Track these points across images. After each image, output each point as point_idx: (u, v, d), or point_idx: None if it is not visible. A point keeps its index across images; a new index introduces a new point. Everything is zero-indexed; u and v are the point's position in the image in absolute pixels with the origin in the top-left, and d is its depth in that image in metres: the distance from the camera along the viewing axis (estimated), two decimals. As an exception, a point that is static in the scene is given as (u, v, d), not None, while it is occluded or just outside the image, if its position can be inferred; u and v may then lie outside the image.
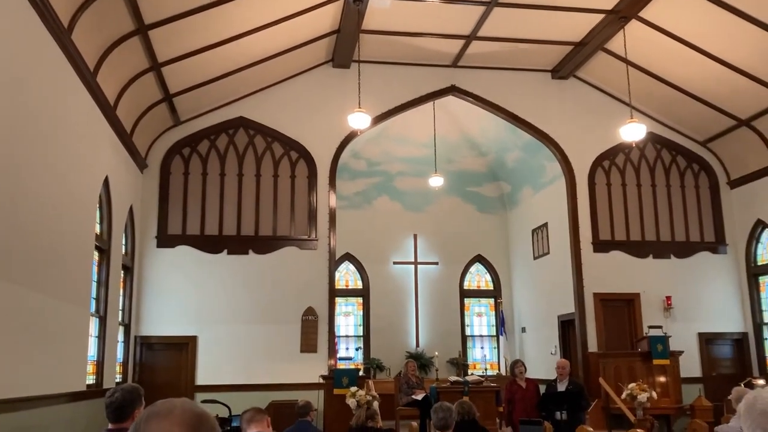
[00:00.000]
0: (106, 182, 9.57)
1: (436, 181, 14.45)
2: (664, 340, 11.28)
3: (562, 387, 9.20)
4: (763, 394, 2.08)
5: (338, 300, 14.17)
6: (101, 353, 9.59)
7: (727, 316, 12.89)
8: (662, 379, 11.12)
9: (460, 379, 11.11)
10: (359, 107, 10.25)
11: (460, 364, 15.33)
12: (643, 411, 9.79)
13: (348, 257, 15.90)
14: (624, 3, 10.39)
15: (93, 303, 9.22)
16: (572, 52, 12.26)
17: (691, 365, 12.18)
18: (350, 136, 12.34)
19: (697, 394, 11.46)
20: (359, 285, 16.10)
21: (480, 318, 16.60)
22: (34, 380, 6.95)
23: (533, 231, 15.12)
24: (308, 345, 11.69)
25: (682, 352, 11.65)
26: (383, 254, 16.08)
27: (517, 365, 9.75)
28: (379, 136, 15.29)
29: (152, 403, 1.58)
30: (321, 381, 10.66)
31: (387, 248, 16.13)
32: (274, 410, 10.11)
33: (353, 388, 9.75)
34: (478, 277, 16.80)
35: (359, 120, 10.27)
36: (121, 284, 10.83)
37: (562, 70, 12.94)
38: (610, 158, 13.21)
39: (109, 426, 3.81)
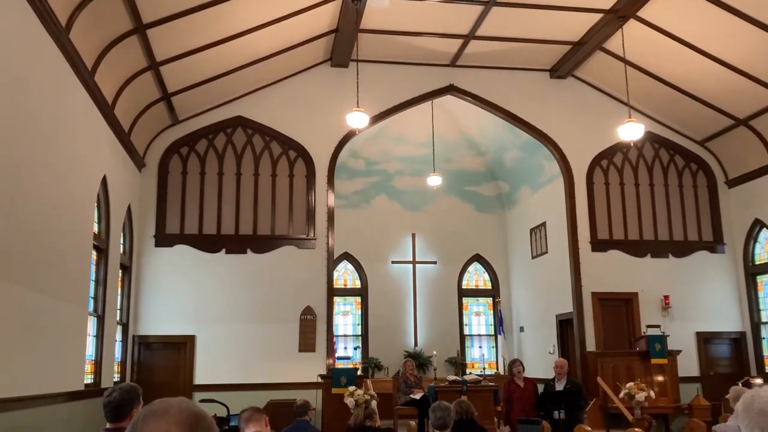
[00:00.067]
0: (104, 181, 9.56)
1: (435, 181, 14.46)
2: (662, 339, 11.30)
3: (560, 386, 9.21)
4: (760, 393, 2.08)
5: (336, 299, 14.16)
6: (99, 353, 9.58)
7: (725, 315, 12.90)
8: (660, 378, 11.13)
9: (459, 378, 11.11)
10: (357, 106, 10.25)
11: (459, 363, 15.34)
12: (641, 410, 9.79)
13: (346, 256, 15.90)
14: (622, 2, 10.40)
15: (91, 302, 9.21)
16: (570, 52, 12.27)
17: (689, 364, 12.20)
18: (348, 136, 12.34)
19: (695, 394, 11.49)
20: (357, 284, 16.10)
21: (478, 317, 16.60)
22: (32, 379, 6.94)
23: (531, 230, 15.12)
24: (306, 344, 11.70)
25: (680, 351, 11.67)
26: (381, 253, 16.08)
27: (515, 364, 9.76)
28: (377, 136, 15.29)
29: (149, 403, 1.57)
30: (319, 380, 10.65)
31: (385, 247, 16.13)
32: (272, 409, 10.12)
33: (351, 388, 9.74)
34: (477, 277, 16.80)
35: (357, 119, 10.26)
36: (119, 283, 10.82)
37: (560, 70, 12.94)
38: (609, 158, 13.22)
39: (107, 425, 3.80)
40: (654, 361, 11.09)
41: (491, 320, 16.49)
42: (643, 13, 10.60)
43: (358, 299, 16.03)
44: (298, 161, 12.43)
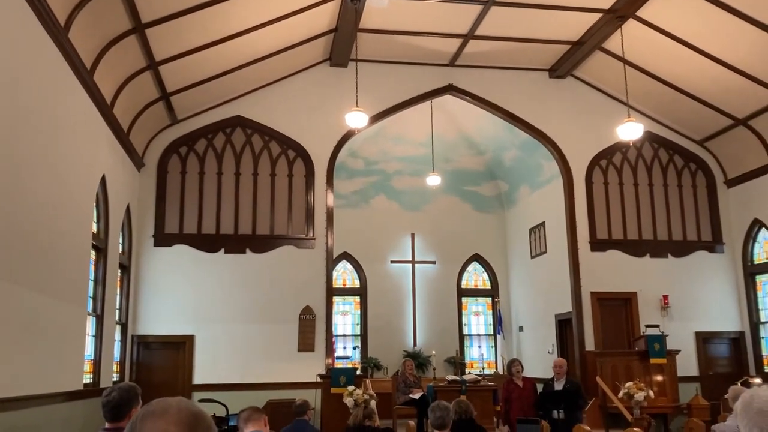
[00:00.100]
0: (103, 181, 9.55)
1: (434, 180, 14.46)
2: (661, 339, 11.30)
3: (559, 386, 9.21)
4: (759, 393, 2.08)
5: (336, 299, 14.15)
6: (98, 352, 9.58)
7: (723, 315, 12.91)
8: (659, 378, 11.13)
9: (458, 378, 11.10)
10: (357, 106, 10.25)
11: (458, 363, 15.33)
12: (640, 410, 9.80)
13: (345, 256, 15.89)
14: (621, 2, 10.40)
15: (90, 302, 9.20)
16: (570, 52, 12.27)
17: (688, 364, 12.21)
18: (348, 135, 12.33)
19: (694, 393, 11.49)
20: (357, 284, 16.10)
21: (477, 317, 16.60)
22: (31, 379, 6.94)
23: (530, 230, 15.13)
24: (306, 344, 11.69)
25: (679, 351, 11.67)
26: (381, 253, 16.07)
27: (514, 364, 9.76)
28: (376, 135, 15.29)
29: (148, 402, 1.57)
30: (318, 380, 10.65)
31: (384, 247, 16.13)
32: (271, 409, 10.11)
33: (350, 387, 9.74)
34: (476, 276, 16.80)
35: (357, 119, 10.26)
36: (118, 283, 10.81)
37: (559, 70, 12.94)
38: (608, 157, 13.22)
39: (106, 425, 3.80)
40: (653, 360, 11.10)
41: (490, 320, 16.49)
42: (643, 12, 10.60)
43: (357, 299, 16.03)
44: (297, 161, 12.42)
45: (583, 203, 12.87)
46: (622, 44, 11.07)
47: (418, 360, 14.57)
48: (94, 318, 9.50)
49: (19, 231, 6.50)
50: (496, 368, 15.59)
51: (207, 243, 11.87)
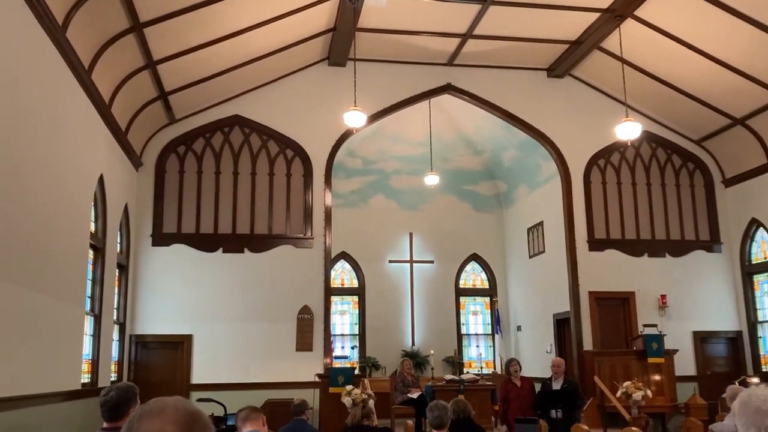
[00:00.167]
0: (101, 180, 9.54)
1: (432, 180, 14.46)
2: (659, 338, 11.32)
3: (557, 385, 9.22)
4: (757, 392, 2.08)
5: (334, 298, 14.14)
6: (96, 352, 9.56)
7: (721, 314, 12.92)
8: (657, 377, 11.15)
9: (456, 377, 11.12)
10: (355, 105, 10.25)
11: (456, 362, 15.33)
12: (638, 409, 9.82)
13: (344, 256, 15.88)
14: (619, 2, 10.40)
15: (88, 301, 9.20)
16: (568, 51, 12.28)
17: (685, 363, 12.22)
18: (346, 135, 12.32)
19: (692, 393, 11.49)
20: (355, 283, 16.09)
21: (475, 316, 16.60)
22: (28, 379, 6.93)
23: (529, 229, 15.13)
24: (304, 343, 11.69)
25: (677, 350, 11.68)
26: (379, 253, 16.07)
27: (512, 364, 9.77)
28: (374, 135, 15.28)
29: (145, 402, 1.57)
30: (316, 380, 10.64)
31: (382, 247, 16.13)
32: (269, 409, 10.11)
33: (349, 387, 9.75)
34: (474, 276, 16.80)
35: (355, 118, 10.26)
36: (116, 283, 10.80)
37: (557, 69, 12.95)
38: (606, 157, 13.23)
39: (104, 425, 3.80)
40: (651, 360, 11.11)
41: (488, 319, 16.49)
42: (641, 12, 10.61)
43: (356, 298, 16.02)
44: (296, 160, 12.42)
45: (581, 203, 12.88)
46: (621, 44, 11.08)
47: (416, 359, 14.57)
48: (92, 317, 9.49)
49: (17, 230, 6.49)
50: (495, 368, 15.59)
51: (205, 242, 11.86)
